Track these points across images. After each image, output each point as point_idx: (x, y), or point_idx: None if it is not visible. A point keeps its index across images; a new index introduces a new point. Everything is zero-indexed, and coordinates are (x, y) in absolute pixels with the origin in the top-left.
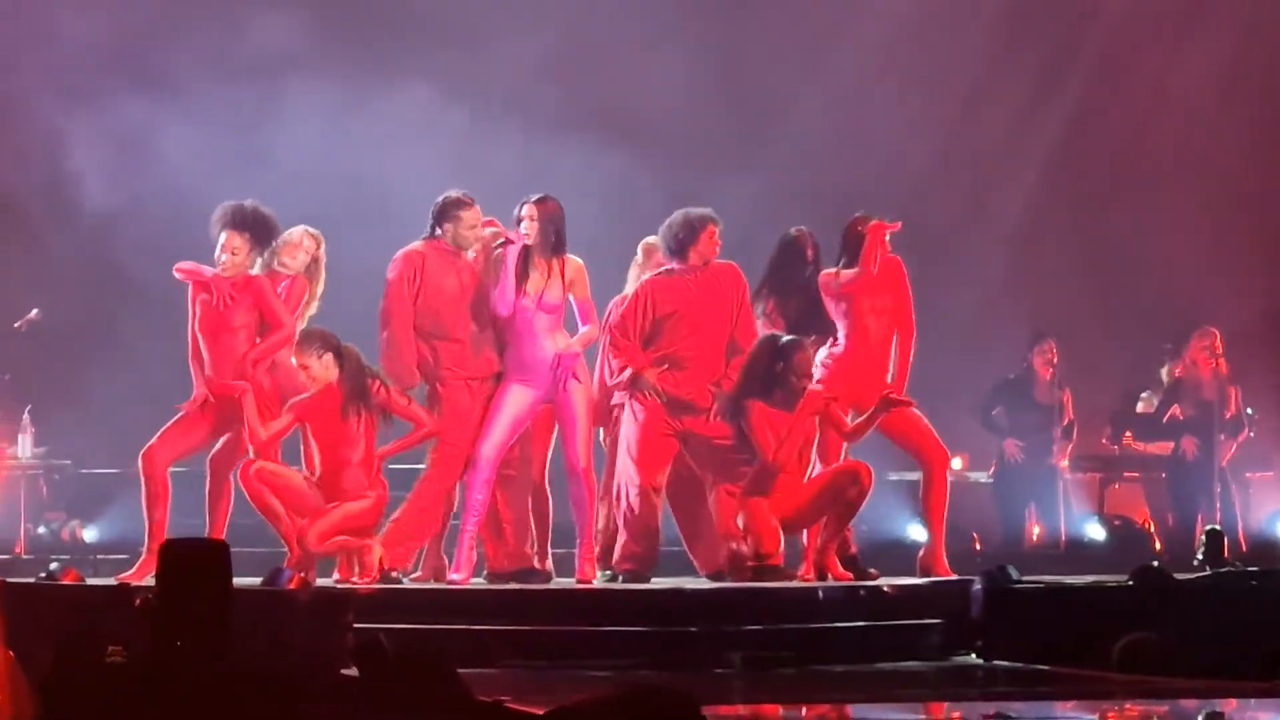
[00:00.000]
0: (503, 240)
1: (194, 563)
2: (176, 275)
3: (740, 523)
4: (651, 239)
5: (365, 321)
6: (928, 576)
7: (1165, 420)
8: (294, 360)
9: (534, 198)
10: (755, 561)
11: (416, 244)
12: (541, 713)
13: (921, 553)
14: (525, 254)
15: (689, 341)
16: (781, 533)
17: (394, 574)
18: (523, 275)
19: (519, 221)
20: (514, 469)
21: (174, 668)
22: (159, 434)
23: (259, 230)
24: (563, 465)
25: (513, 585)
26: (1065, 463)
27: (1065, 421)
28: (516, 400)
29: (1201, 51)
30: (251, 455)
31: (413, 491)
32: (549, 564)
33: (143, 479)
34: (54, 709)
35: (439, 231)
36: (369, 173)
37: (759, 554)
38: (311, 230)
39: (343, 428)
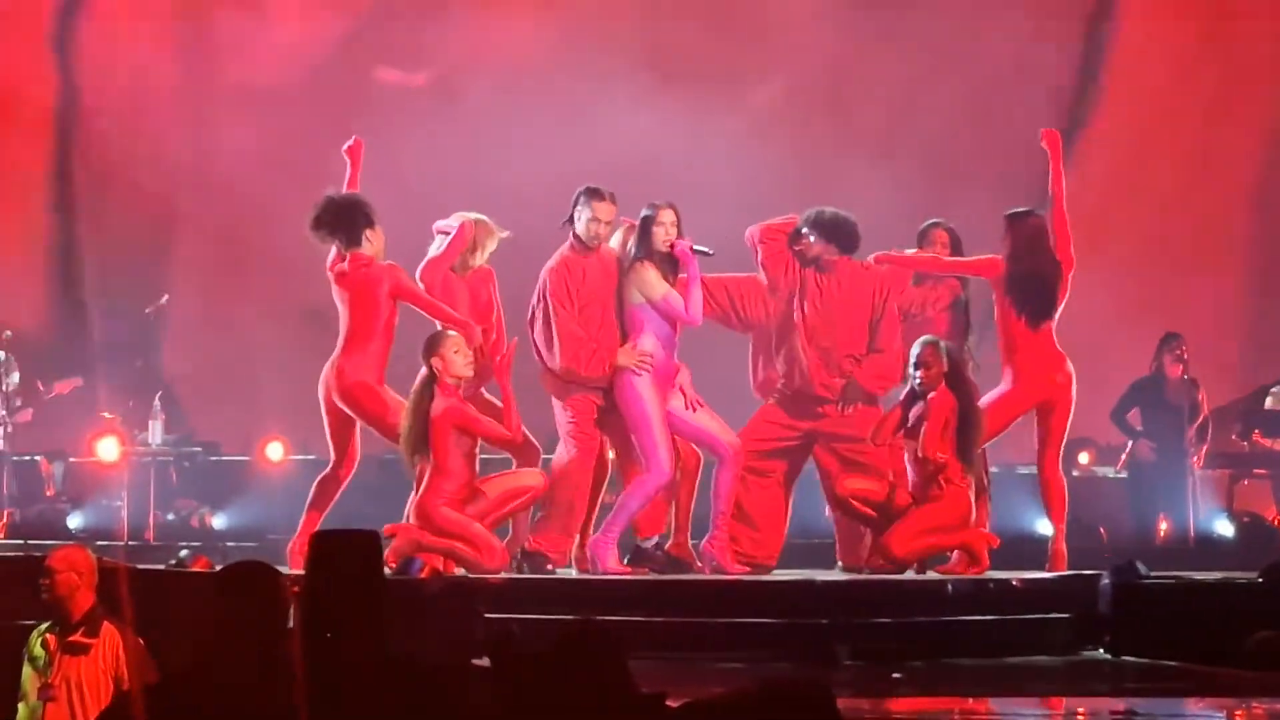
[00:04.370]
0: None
1: (345, 553)
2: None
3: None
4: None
5: None
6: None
7: None
8: (436, 360)
9: (665, 201)
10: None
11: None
12: (677, 705)
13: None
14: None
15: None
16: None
17: (549, 566)
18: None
19: (670, 225)
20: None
21: (327, 658)
22: None
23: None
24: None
25: (651, 575)
26: (1199, 463)
27: (1199, 421)
28: (657, 400)
29: None
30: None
31: (554, 489)
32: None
33: None
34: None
35: (574, 223)
36: None
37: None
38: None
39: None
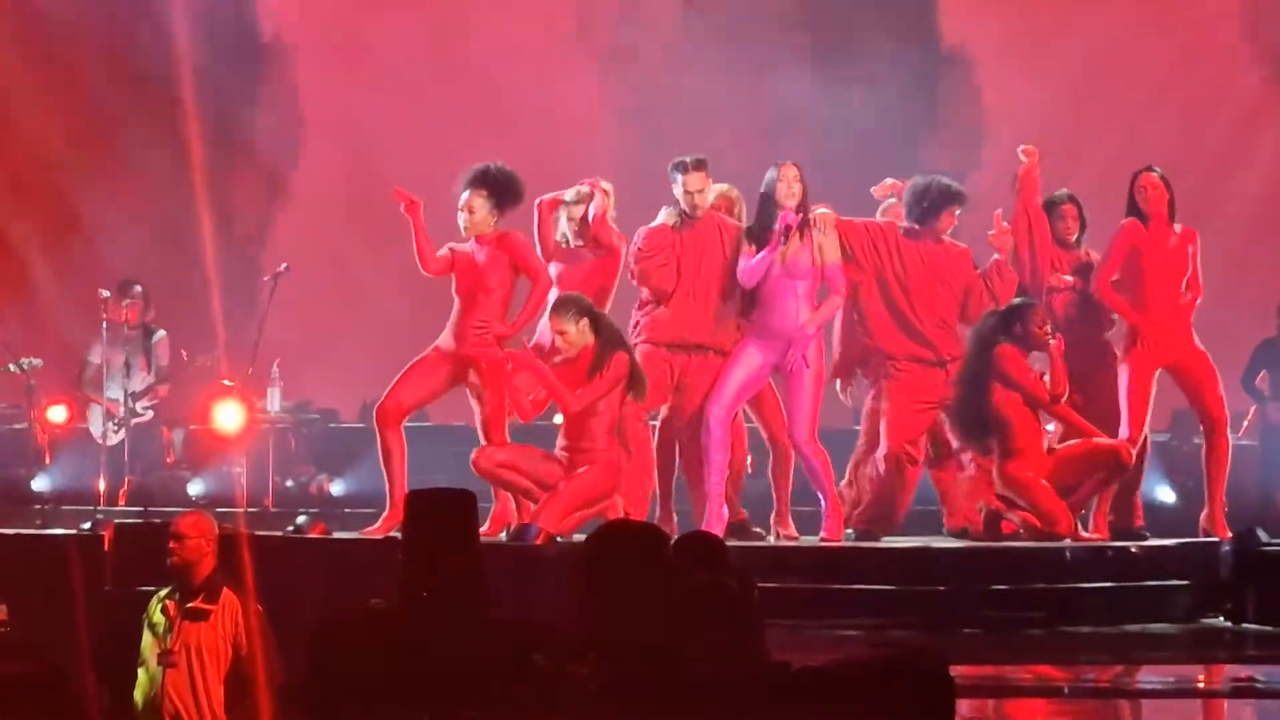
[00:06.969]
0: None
1: (441, 512)
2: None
3: (1010, 495)
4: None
5: None
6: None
7: None
8: (550, 325)
9: (787, 160)
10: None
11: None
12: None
13: (1203, 515)
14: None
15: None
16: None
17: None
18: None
19: (777, 184)
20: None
21: (423, 618)
22: (391, 386)
23: (500, 189)
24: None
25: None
26: None
27: None
28: (749, 364)
29: None
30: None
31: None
32: (789, 523)
33: (378, 433)
34: (317, 657)
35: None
36: None
37: (1054, 533)
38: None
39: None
